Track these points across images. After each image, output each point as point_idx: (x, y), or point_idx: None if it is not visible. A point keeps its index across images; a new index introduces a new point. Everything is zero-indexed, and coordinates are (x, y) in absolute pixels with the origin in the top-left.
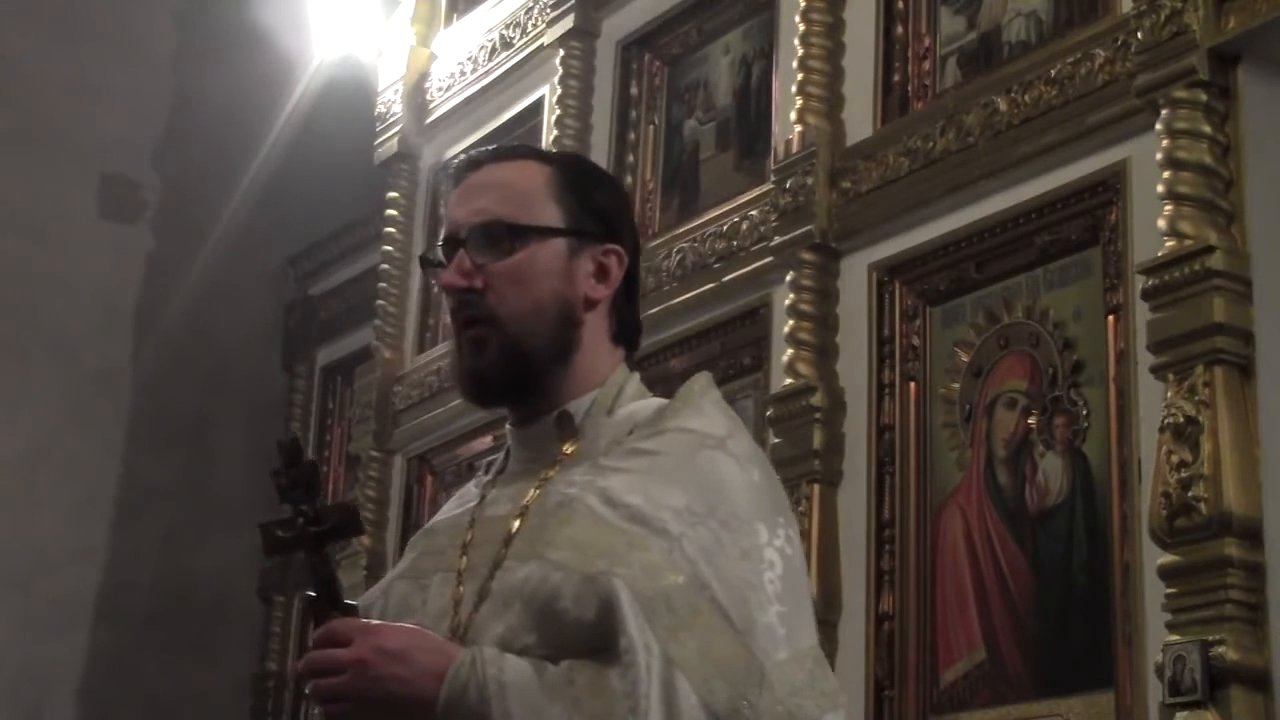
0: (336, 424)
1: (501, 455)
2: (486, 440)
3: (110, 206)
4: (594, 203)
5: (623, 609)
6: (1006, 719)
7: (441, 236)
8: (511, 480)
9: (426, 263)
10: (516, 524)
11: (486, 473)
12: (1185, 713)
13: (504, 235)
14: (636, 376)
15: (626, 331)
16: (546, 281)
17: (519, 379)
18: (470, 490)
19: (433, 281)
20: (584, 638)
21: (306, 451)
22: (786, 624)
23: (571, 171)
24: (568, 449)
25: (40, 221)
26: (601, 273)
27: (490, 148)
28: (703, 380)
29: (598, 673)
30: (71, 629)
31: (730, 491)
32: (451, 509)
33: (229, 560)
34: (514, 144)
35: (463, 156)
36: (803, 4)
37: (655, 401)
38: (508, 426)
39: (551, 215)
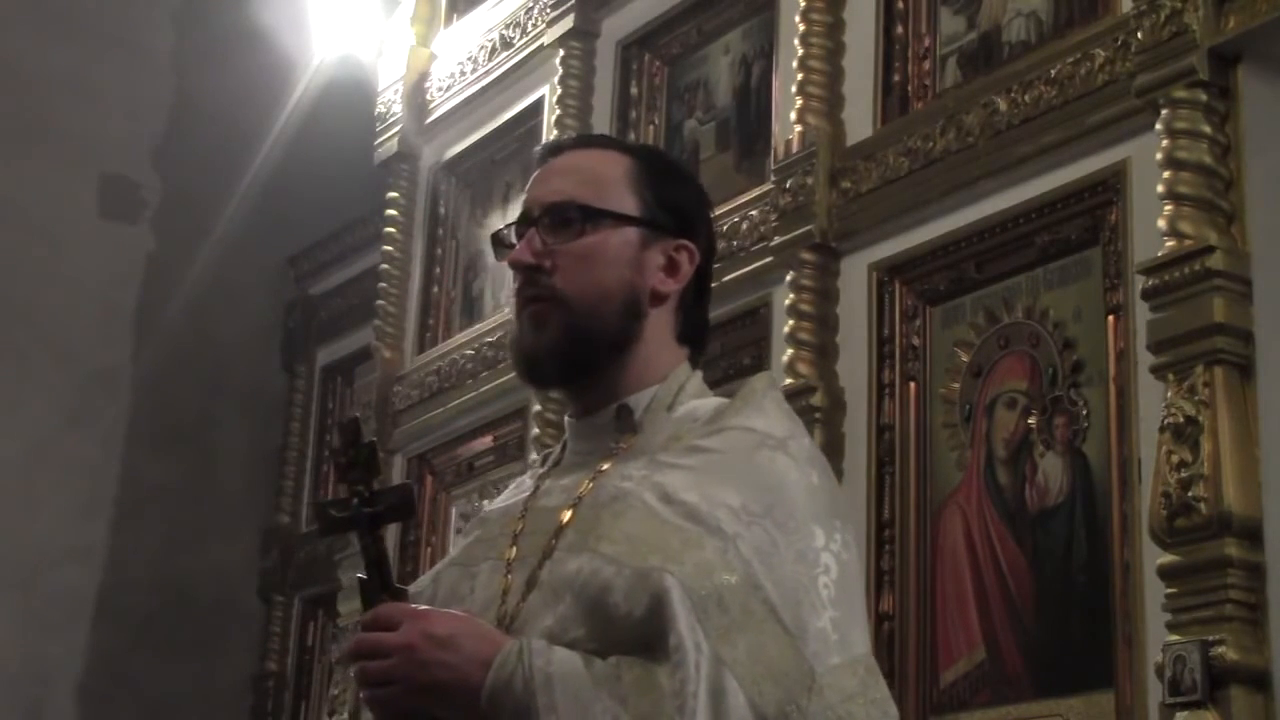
0: (336, 424)
1: (558, 448)
2: (487, 440)
3: (110, 206)
4: (671, 197)
5: (673, 606)
6: (1006, 719)
7: (517, 216)
8: (566, 472)
9: (498, 242)
10: (567, 515)
11: (543, 464)
12: (1185, 713)
13: (576, 216)
14: (699, 375)
15: (693, 331)
16: (614, 268)
17: (575, 361)
18: (525, 481)
19: (500, 262)
20: (634, 633)
21: (309, 450)
22: (839, 629)
23: (652, 164)
24: (624, 443)
25: (41, 221)
26: (671, 267)
27: (575, 135)
28: (764, 380)
29: (646, 670)
30: (71, 628)
31: (788, 493)
32: (507, 498)
33: (229, 560)
34: (600, 134)
35: (544, 143)
36: (803, 4)
37: (715, 400)
38: (566, 418)
39: (627, 204)
